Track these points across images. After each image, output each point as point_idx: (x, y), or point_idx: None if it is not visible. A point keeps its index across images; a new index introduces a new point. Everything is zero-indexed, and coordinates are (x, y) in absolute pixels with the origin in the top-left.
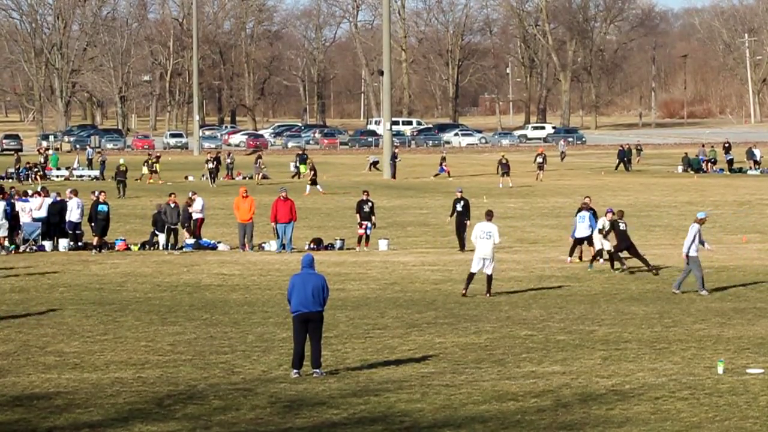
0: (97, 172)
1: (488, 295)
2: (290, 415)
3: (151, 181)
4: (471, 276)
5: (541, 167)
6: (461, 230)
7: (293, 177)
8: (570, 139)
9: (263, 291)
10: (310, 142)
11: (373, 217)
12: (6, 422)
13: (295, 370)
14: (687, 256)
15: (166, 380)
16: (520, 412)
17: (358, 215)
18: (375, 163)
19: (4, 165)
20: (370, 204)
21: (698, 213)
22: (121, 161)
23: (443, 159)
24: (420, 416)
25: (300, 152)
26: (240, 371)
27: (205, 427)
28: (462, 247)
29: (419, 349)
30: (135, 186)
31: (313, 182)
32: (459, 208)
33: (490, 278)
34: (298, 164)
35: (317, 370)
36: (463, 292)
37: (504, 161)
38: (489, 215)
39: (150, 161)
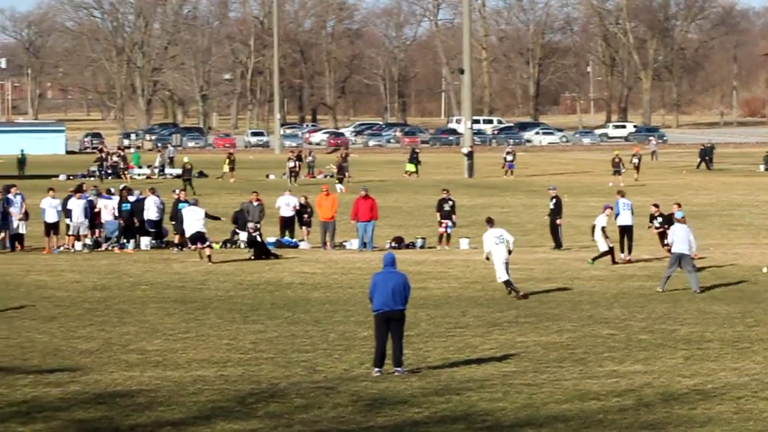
0: (179, 170)
1: (518, 294)
2: (372, 414)
3: (233, 180)
4: (508, 282)
5: (637, 168)
6: (553, 228)
7: (407, 174)
8: (651, 138)
9: (345, 289)
10: (391, 140)
11: (453, 216)
12: (89, 420)
13: (376, 369)
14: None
15: (248, 378)
16: (602, 412)
17: (438, 214)
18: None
19: (87, 163)
20: (450, 202)
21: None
22: (186, 159)
23: (509, 154)
24: (502, 415)
25: (413, 150)
26: (322, 369)
27: (286, 425)
28: (558, 245)
29: (501, 348)
30: (216, 184)
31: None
32: (551, 205)
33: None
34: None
35: (399, 369)
36: (521, 294)
37: (617, 160)
38: (490, 222)
39: (230, 159)
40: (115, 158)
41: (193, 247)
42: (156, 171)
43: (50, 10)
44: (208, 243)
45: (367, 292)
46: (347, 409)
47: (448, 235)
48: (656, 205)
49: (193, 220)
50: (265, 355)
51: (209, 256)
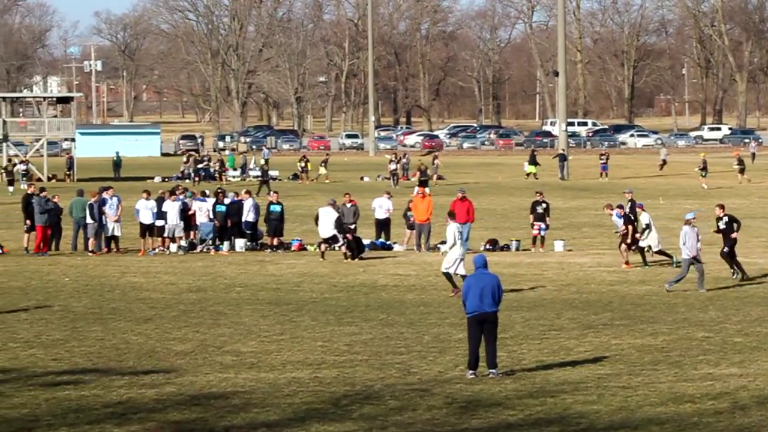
0: (277, 173)
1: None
2: (466, 416)
3: (328, 180)
4: (449, 275)
5: (742, 171)
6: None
7: (528, 176)
8: (747, 141)
9: (439, 291)
10: (485, 143)
11: (547, 218)
12: (184, 421)
13: (471, 371)
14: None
15: (342, 380)
16: (697, 415)
17: (531, 216)
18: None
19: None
20: (544, 205)
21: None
22: (263, 161)
23: (604, 156)
24: (596, 418)
25: (533, 152)
26: (416, 371)
27: (381, 427)
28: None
29: (595, 351)
30: (311, 186)
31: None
32: (627, 209)
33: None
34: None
35: (493, 371)
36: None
37: (702, 164)
38: (453, 216)
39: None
40: (206, 161)
41: (324, 246)
42: (250, 173)
43: (145, 13)
44: (342, 243)
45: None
46: (441, 411)
47: (542, 238)
48: (721, 206)
49: (329, 221)
50: (359, 357)
51: (345, 254)
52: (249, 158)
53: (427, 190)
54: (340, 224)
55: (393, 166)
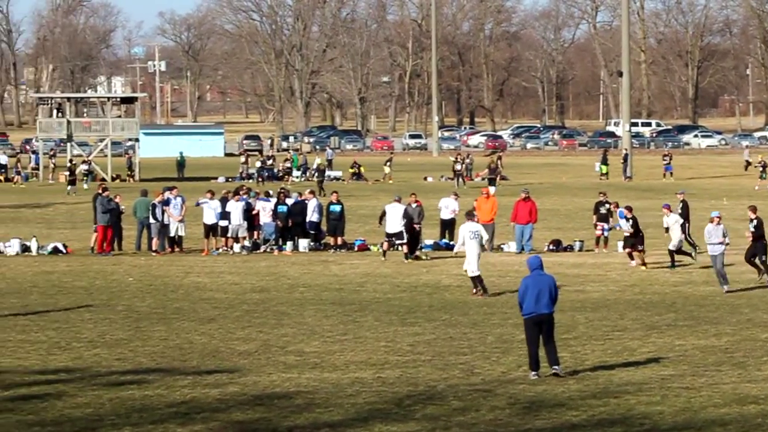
0: (339, 173)
1: (486, 294)
2: (529, 417)
3: (391, 180)
4: (479, 278)
5: None
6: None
7: (600, 177)
8: None
9: (502, 292)
10: (549, 143)
11: (610, 219)
12: (247, 421)
13: (533, 372)
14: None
15: (405, 380)
16: (761, 416)
17: (594, 216)
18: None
19: (246, 166)
20: (607, 205)
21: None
22: (318, 161)
23: (667, 156)
24: (660, 419)
25: (605, 152)
26: (479, 372)
27: (444, 427)
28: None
29: (658, 351)
30: (374, 187)
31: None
32: (679, 209)
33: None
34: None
35: (556, 367)
36: (488, 293)
37: (762, 164)
38: (470, 215)
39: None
40: (271, 161)
41: (386, 244)
42: (313, 173)
43: (209, 13)
44: (404, 241)
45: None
46: (505, 411)
47: (606, 239)
48: (753, 209)
49: (396, 216)
50: (422, 358)
51: (406, 254)
52: (310, 159)
53: (492, 189)
54: (409, 219)
55: (459, 167)
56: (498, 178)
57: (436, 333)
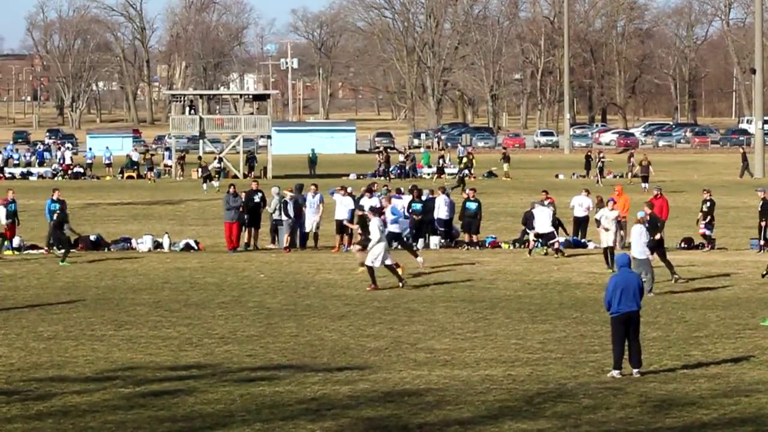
0: (465, 171)
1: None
2: (660, 415)
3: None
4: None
5: None
6: (760, 229)
7: (741, 176)
8: None
9: None
10: (681, 141)
11: (708, 217)
12: (377, 417)
13: (617, 371)
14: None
15: (535, 378)
16: None
17: (701, 214)
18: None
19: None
20: (708, 203)
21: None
22: (465, 159)
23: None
24: None
25: (742, 152)
26: (610, 370)
27: (574, 425)
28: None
29: None
30: (506, 184)
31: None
32: (759, 207)
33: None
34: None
35: (637, 369)
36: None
37: None
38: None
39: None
40: (401, 158)
41: (532, 242)
42: (446, 170)
43: (342, 11)
44: (555, 240)
45: (603, 295)
46: (635, 410)
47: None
48: None
49: (545, 217)
50: (553, 355)
51: (557, 251)
52: (445, 155)
53: (645, 185)
54: (557, 221)
55: (600, 164)
56: (630, 176)
57: (566, 331)
